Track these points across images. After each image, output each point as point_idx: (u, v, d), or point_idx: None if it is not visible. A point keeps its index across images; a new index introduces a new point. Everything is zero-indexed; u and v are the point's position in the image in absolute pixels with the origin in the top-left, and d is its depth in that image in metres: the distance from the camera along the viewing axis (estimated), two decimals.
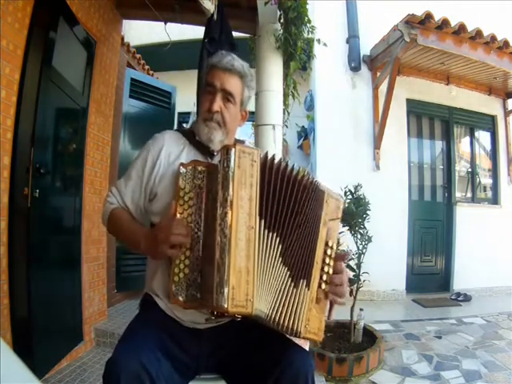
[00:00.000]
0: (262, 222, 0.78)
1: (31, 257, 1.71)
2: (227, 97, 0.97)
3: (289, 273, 0.81)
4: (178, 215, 0.82)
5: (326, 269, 0.86)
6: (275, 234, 0.80)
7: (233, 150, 0.77)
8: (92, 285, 2.38)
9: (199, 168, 0.86)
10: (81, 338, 2.22)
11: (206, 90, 1.00)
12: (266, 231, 0.79)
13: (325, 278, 0.86)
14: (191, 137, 1.02)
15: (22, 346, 1.60)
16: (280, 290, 0.79)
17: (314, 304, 0.83)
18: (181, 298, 0.80)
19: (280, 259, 0.80)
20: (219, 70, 0.97)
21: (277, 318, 0.78)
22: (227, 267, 0.71)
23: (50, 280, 1.90)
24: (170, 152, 0.98)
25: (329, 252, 0.87)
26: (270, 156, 0.83)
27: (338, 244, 0.93)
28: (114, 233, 1.03)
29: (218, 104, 0.96)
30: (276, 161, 0.84)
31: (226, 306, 0.70)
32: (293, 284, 0.81)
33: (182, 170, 0.85)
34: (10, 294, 1.60)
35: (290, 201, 0.83)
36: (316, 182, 0.89)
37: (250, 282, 0.73)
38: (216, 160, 0.90)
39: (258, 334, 0.90)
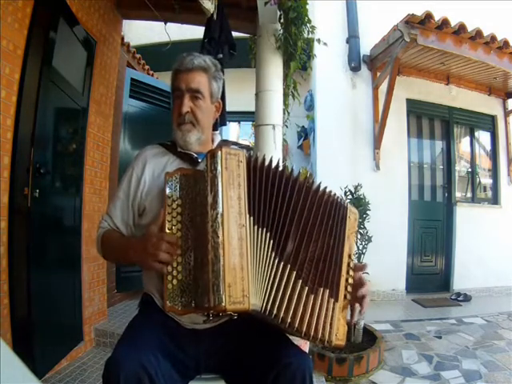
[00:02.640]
0: (251, 218, 0.79)
1: (31, 257, 1.71)
2: (195, 95, 0.98)
3: (289, 267, 0.81)
4: (167, 223, 0.83)
5: (349, 280, 0.91)
6: (265, 230, 0.81)
7: (219, 152, 0.79)
8: (92, 285, 2.38)
9: (184, 175, 0.87)
10: (81, 337, 2.22)
11: (174, 97, 1.01)
12: (256, 227, 0.80)
13: (349, 288, 0.90)
14: (173, 148, 1.03)
15: (22, 346, 1.60)
16: (277, 283, 0.79)
17: (341, 313, 0.87)
18: (176, 306, 0.80)
19: (273, 254, 0.80)
20: (182, 72, 0.98)
21: (284, 317, 0.77)
22: (222, 266, 0.72)
23: (50, 280, 1.90)
24: (154, 166, 1.00)
25: (351, 264, 0.92)
26: (255, 156, 0.85)
27: None
28: (106, 252, 1.02)
29: (187, 105, 0.97)
30: (262, 160, 0.85)
31: (223, 304, 0.70)
32: (306, 288, 0.82)
33: (168, 178, 0.86)
34: (9, 294, 1.60)
35: (279, 196, 0.84)
36: (339, 199, 0.93)
37: (245, 279, 0.74)
38: (201, 166, 0.92)
39: (257, 335, 0.90)
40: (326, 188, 0.92)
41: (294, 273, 0.81)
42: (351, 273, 0.91)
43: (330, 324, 0.83)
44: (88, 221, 2.30)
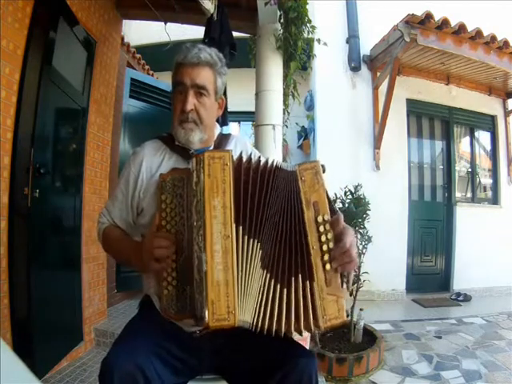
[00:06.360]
0: (241, 228, 0.76)
1: (31, 257, 1.71)
2: (200, 91, 0.93)
3: (269, 275, 0.77)
4: (162, 228, 0.82)
5: (324, 247, 0.78)
6: (256, 240, 0.76)
7: (201, 158, 0.76)
8: (92, 285, 2.38)
9: (178, 176, 0.85)
10: (81, 337, 2.22)
11: (176, 91, 0.95)
12: (246, 237, 0.76)
13: (326, 257, 0.78)
14: (171, 142, 1.00)
15: (22, 346, 1.60)
16: (266, 295, 0.76)
17: (326, 289, 0.77)
18: (172, 311, 0.80)
19: (260, 264, 0.77)
20: (186, 66, 0.92)
21: (268, 324, 0.76)
22: (205, 283, 0.70)
23: (50, 280, 1.90)
24: (151, 164, 0.97)
25: (322, 229, 0.79)
26: (244, 156, 0.82)
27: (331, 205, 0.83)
28: (108, 251, 1.04)
29: (191, 103, 0.92)
30: (251, 160, 0.81)
31: (206, 321, 0.69)
32: (279, 285, 0.77)
33: (162, 180, 0.84)
34: (10, 294, 1.60)
35: (267, 198, 0.79)
36: (281, 166, 0.82)
37: (231, 294, 0.71)
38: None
39: (260, 335, 0.89)
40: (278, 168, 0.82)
41: (269, 275, 0.76)
42: (325, 238, 0.78)
43: (313, 309, 0.75)
44: (88, 221, 2.29)
